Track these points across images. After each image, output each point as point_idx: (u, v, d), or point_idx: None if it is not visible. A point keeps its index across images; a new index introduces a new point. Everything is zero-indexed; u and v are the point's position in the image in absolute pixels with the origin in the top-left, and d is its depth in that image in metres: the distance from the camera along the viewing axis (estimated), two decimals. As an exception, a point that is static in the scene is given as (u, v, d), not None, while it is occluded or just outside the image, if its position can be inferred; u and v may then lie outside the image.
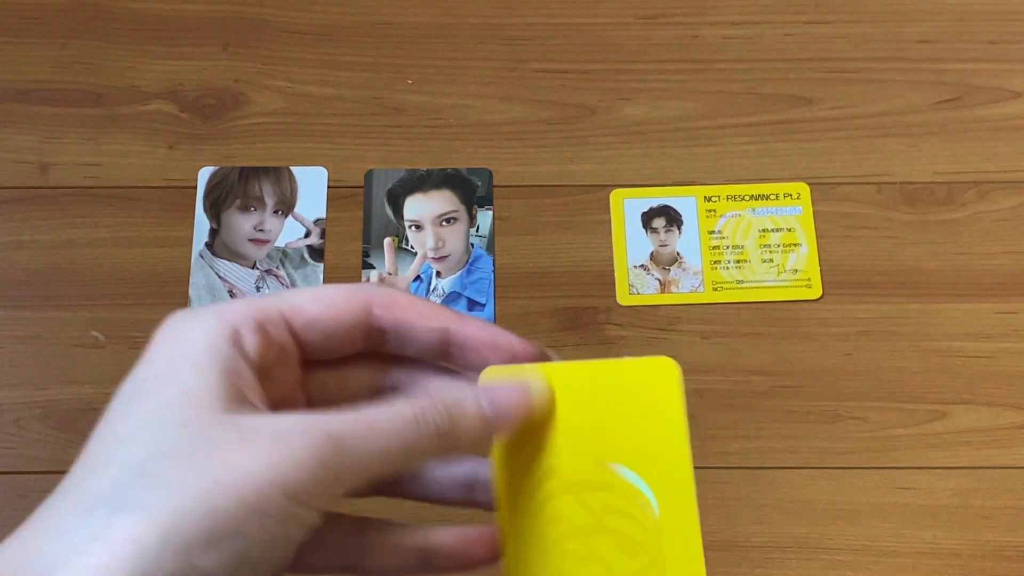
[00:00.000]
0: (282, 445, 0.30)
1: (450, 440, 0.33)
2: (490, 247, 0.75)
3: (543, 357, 0.36)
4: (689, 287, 0.74)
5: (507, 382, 0.35)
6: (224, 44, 0.81)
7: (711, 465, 0.69)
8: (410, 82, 0.80)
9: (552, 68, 0.80)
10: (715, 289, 0.73)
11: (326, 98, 0.79)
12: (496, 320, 0.73)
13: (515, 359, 0.36)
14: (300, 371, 0.35)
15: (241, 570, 0.29)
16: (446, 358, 0.36)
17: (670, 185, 0.77)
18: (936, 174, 0.77)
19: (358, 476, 0.31)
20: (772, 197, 0.76)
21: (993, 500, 0.69)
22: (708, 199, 0.76)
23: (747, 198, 0.76)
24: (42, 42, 0.81)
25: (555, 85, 0.80)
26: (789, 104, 0.79)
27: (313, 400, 0.36)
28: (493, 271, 0.74)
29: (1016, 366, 0.71)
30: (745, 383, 0.72)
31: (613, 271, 0.74)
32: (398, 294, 0.35)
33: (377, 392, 0.37)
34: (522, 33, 0.81)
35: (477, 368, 0.36)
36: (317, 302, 0.34)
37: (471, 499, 0.37)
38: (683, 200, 0.76)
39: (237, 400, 0.31)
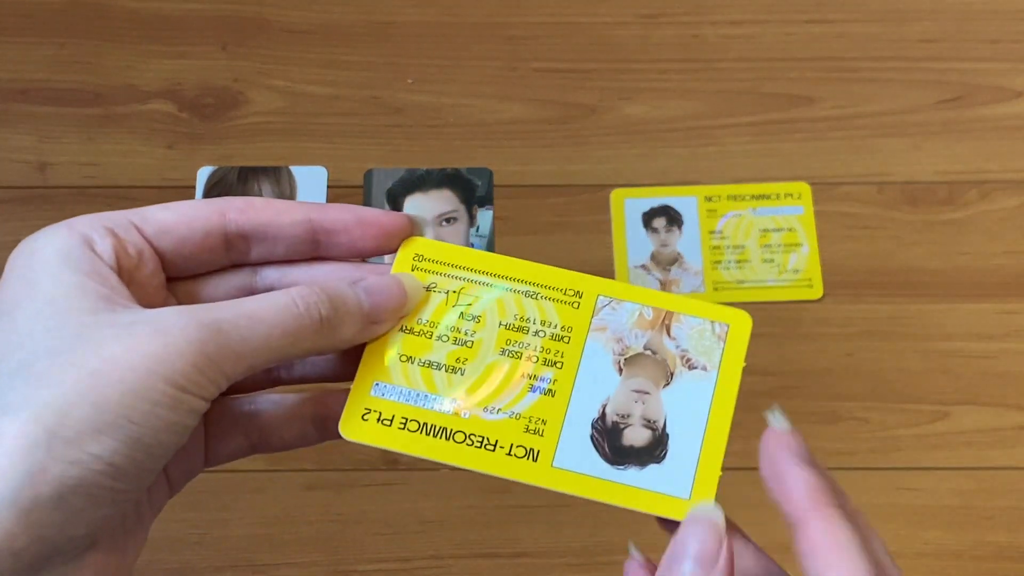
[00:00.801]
0: (161, 335, 0.30)
1: (331, 329, 0.33)
2: (490, 247, 0.75)
3: (410, 227, 0.37)
4: (690, 287, 0.73)
5: (382, 277, 0.35)
6: (223, 43, 0.81)
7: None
8: (410, 82, 0.80)
9: (552, 67, 0.80)
10: (716, 289, 0.73)
11: (326, 98, 0.79)
12: (496, 320, 0.73)
13: (385, 234, 0.36)
14: (164, 277, 0.35)
15: (136, 454, 0.30)
16: (317, 250, 0.36)
17: (671, 185, 0.76)
18: (937, 174, 0.77)
19: (240, 363, 0.31)
20: (773, 197, 0.76)
21: (995, 501, 0.68)
22: (709, 199, 0.76)
23: (748, 198, 0.76)
24: (40, 41, 0.81)
25: (555, 85, 0.80)
26: (790, 104, 0.79)
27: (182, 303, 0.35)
28: (493, 271, 0.74)
29: (1018, 366, 0.71)
30: (745, 383, 0.71)
31: (613, 271, 0.74)
32: (253, 198, 0.35)
33: (246, 277, 0.37)
34: (522, 32, 0.81)
35: (351, 254, 0.36)
36: (167, 210, 0.34)
37: (352, 372, 0.37)
38: (684, 200, 0.76)
39: (105, 299, 0.31)
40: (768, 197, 0.76)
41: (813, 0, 0.81)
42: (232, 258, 0.36)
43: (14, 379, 0.30)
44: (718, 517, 0.34)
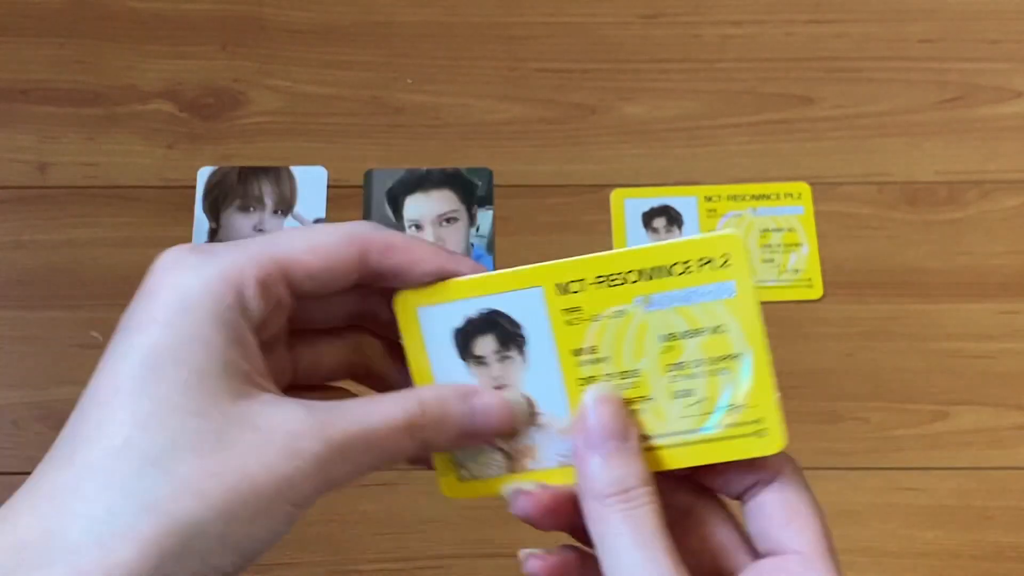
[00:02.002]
0: (294, 455, 0.32)
1: (428, 446, 0.35)
2: (490, 247, 0.75)
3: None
4: (690, 287, 0.73)
5: (494, 396, 0.37)
6: (223, 43, 0.81)
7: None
8: (410, 82, 0.80)
9: (552, 68, 0.80)
10: (716, 289, 0.73)
11: (326, 98, 0.79)
12: (496, 320, 0.73)
13: None
14: (290, 312, 0.36)
15: (243, 562, 0.32)
16: None
17: (671, 185, 0.76)
18: (938, 174, 0.77)
19: (349, 479, 0.33)
20: (773, 197, 0.76)
21: (994, 501, 0.68)
22: (709, 199, 0.76)
23: (748, 198, 0.76)
24: (41, 41, 0.81)
25: (555, 85, 0.80)
26: (790, 104, 0.79)
27: (293, 324, 0.36)
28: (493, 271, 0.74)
29: (1018, 366, 0.71)
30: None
31: (613, 271, 0.74)
32: (394, 237, 0.36)
33: (355, 317, 0.38)
34: (522, 32, 0.81)
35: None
36: (314, 253, 0.34)
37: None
38: (684, 200, 0.76)
39: (245, 379, 0.32)
40: (768, 197, 0.76)
41: (813, 0, 0.81)
42: (362, 284, 0.36)
43: (158, 471, 0.30)
44: (617, 393, 0.36)
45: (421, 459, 0.39)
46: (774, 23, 0.81)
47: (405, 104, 0.79)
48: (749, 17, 0.81)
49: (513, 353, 0.38)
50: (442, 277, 0.36)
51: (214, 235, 0.75)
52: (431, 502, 0.69)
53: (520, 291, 0.39)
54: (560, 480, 0.38)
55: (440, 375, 0.38)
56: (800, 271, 0.74)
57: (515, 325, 0.38)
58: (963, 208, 0.75)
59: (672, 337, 0.37)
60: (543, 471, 0.39)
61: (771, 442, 0.38)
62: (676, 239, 0.37)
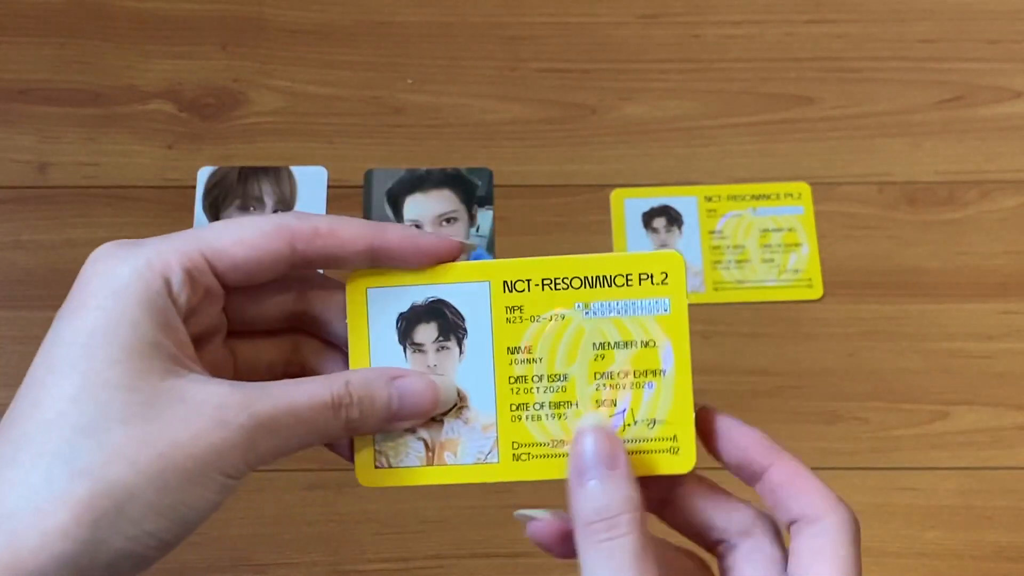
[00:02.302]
0: (221, 425, 0.33)
1: (356, 428, 0.37)
2: (490, 247, 0.75)
3: (460, 251, 0.39)
4: (690, 287, 0.73)
5: (418, 378, 0.38)
6: (223, 43, 0.81)
7: (711, 466, 0.69)
8: (410, 82, 0.80)
9: (552, 68, 0.80)
10: (716, 289, 0.73)
11: (326, 98, 0.79)
12: (496, 320, 0.73)
13: (439, 260, 0.38)
14: (222, 303, 0.37)
15: (182, 531, 0.34)
16: (374, 266, 0.38)
17: (671, 185, 0.76)
18: (937, 174, 0.77)
19: (277, 454, 0.35)
20: (773, 197, 0.76)
21: (995, 501, 0.68)
22: (709, 199, 0.76)
23: (748, 198, 0.76)
24: (41, 41, 0.81)
25: (555, 85, 0.80)
26: (790, 104, 0.79)
27: (232, 314, 0.38)
28: (493, 271, 0.74)
29: (1018, 366, 0.71)
30: (746, 383, 0.71)
31: (613, 271, 0.74)
32: (318, 222, 0.36)
33: (292, 317, 0.39)
34: (522, 32, 0.81)
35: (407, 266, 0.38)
36: (240, 245, 0.36)
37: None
38: (684, 200, 0.76)
39: (174, 360, 0.34)
40: (768, 197, 0.76)
41: (813, 0, 0.81)
42: (289, 272, 0.37)
43: (90, 441, 0.32)
44: (606, 423, 0.38)
45: (343, 447, 0.40)
46: (774, 23, 0.81)
47: (405, 104, 0.79)
48: (749, 17, 0.81)
49: (451, 344, 0.39)
50: (373, 253, 0.37)
51: (214, 235, 0.75)
52: (431, 502, 0.69)
53: (468, 283, 0.39)
54: (475, 477, 0.40)
55: (377, 358, 0.39)
56: (800, 271, 0.74)
57: (459, 316, 0.39)
58: (963, 208, 0.75)
59: (604, 346, 0.39)
60: (462, 467, 0.40)
61: (683, 460, 0.39)
62: (621, 253, 0.38)
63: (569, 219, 0.76)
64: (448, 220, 0.76)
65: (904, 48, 0.80)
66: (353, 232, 0.37)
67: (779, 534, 0.37)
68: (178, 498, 0.33)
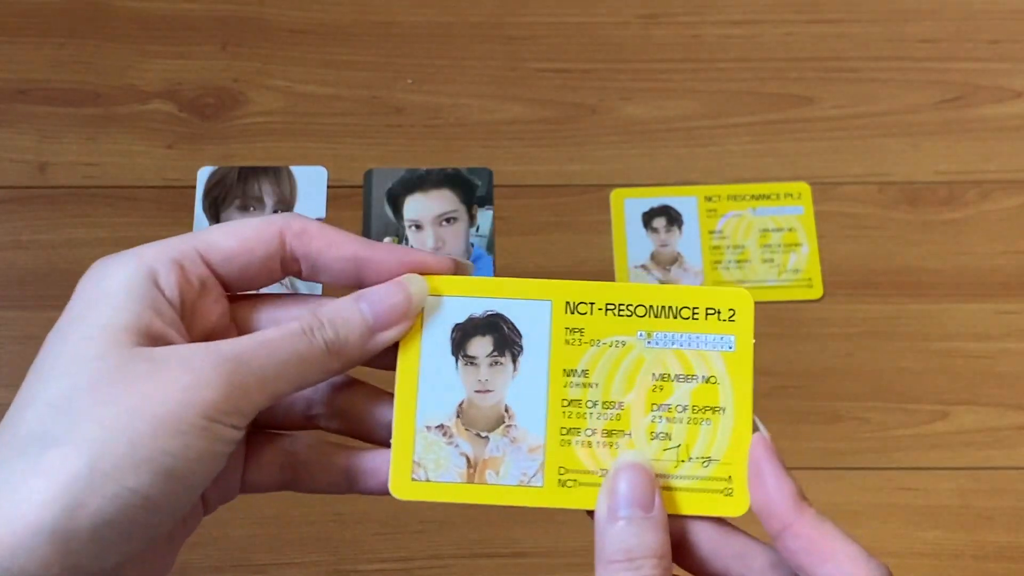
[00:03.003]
0: (189, 370, 0.32)
1: (340, 348, 0.35)
2: (490, 247, 0.75)
3: (454, 269, 0.38)
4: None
5: (384, 285, 0.37)
6: (223, 43, 0.81)
7: (712, 466, 0.69)
8: (410, 82, 0.80)
9: (552, 68, 0.80)
10: (716, 289, 0.73)
11: (326, 98, 0.79)
12: (496, 320, 0.73)
13: (429, 273, 0.38)
14: (227, 303, 0.37)
15: (171, 486, 0.32)
16: (360, 283, 0.37)
17: (670, 185, 0.76)
18: (937, 174, 0.77)
19: (263, 391, 0.34)
20: (773, 197, 0.76)
21: (994, 501, 0.68)
22: (709, 199, 0.76)
23: (748, 198, 0.76)
24: (41, 41, 0.81)
25: (555, 85, 0.80)
26: (790, 103, 0.79)
27: (244, 331, 0.38)
28: (493, 271, 0.74)
29: (1017, 366, 0.71)
30: (746, 383, 0.71)
31: (613, 271, 0.74)
32: (310, 223, 0.37)
33: (304, 312, 0.39)
34: (522, 32, 0.81)
35: None
36: (231, 236, 0.36)
37: (367, 433, 0.40)
38: (684, 200, 0.76)
39: (153, 336, 0.34)
40: (768, 197, 0.76)
41: (813, 0, 0.81)
42: (287, 273, 0.38)
43: (59, 412, 0.32)
44: (647, 462, 0.36)
45: (370, 483, 0.39)
46: (774, 23, 0.81)
47: (405, 104, 0.79)
48: (749, 17, 0.81)
49: (506, 359, 0.38)
50: (358, 263, 0.37)
51: (214, 235, 0.75)
52: (431, 503, 0.69)
53: (530, 301, 0.38)
54: (516, 500, 0.39)
55: (426, 367, 0.38)
56: (800, 271, 0.74)
57: (516, 332, 0.38)
58: (963, 208, 0.76)
59: (664, 378, 0.38)
60: (503, 487, 0.39)
61: (737, 503, 0.37)
62: (691, 284, 0.37)
63: (569, 219, 0.76)
64: (448, 220, 0.76)
65: (904, 48, 0.80)
66: (342, 238, 0.37)
67: None
68: (155, 447, 0.31)
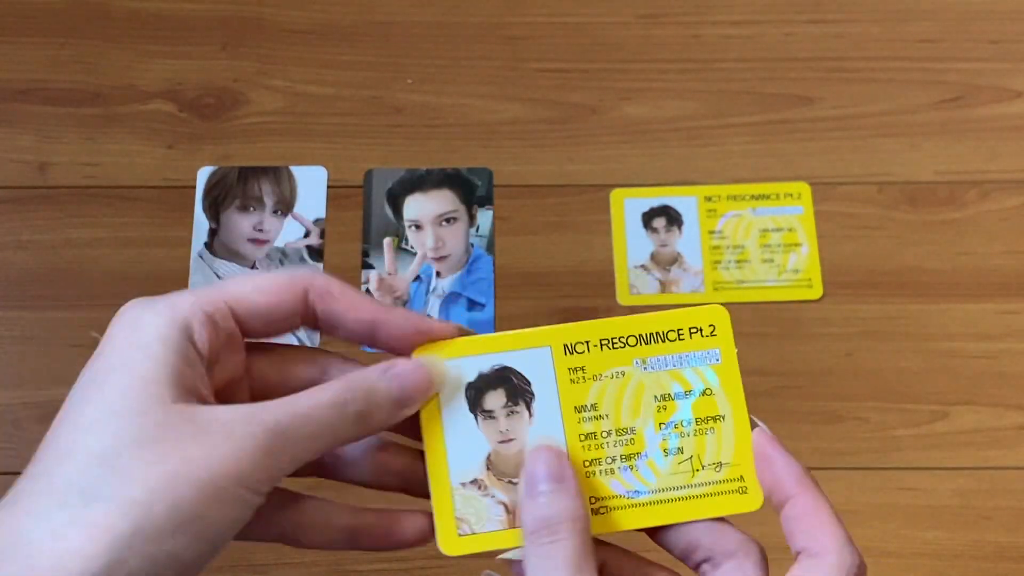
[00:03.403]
0: (232, 439, 0.34)
1: (367, 420, 0.37)
2: (490, 247, 0.75)
3: (460, 333, 0.40)
4: (689, 287, 0.73)
5: (409, 362, 0.39)
6: (223, 43, 0.81)
7: (712, 466, 0.69)
8: (410, 82, 0.80)
9: (552, 68, 0.80)
10: (715, 289, 0.73)
11: (326, 98, 0.79)
12: (496, 320, 0.73)
13: (435, 340, 0.40)
14: (244, 353, 0.39)
15: (201, 546, 0.33)
16: (373, 344, 0.40)
17: (670, 185, 0.76)
18: (937, 174, 0.77)
19: (295, 459, 0.36)
20: (773, 197, 0.76)
21: (994, 501, 0.69)
22: (708, 199, 0.76)
23: (748, 198, 0.76)
24: (41, 41, 0.81)
25: (555, 85, 0.80)
26: (790, 104, 0.79)
27: (255, 379, 0.40)
28: (493, 271, 0.74)
29: (1018, 366, 0.71)
30: (746, 383, 0.71)
31: (613, 271, 0.74)
32: (333, 283, 0.38)
33: (312, 367, 0.41)
34: (522, 32, 0.81)
35: (401, 353, 0.40)
36: (261, 292, 0.38)
37: (405, 487, 0.43)
38: (683, 200, 0.76)
39: (188, 390, 0.35)
40: (768, 197, 0.76)
41: (813, 0, 0.82)
42: (305, 326, 0.40)
43: (102, 467, 0.33)
44: (557, 444, 0.40)
45: (401, 538, 0.43)
46: (774, 23, 0.81)
47: (405, 104, 0.79)
48: (749, 17, 0.81)
49: (520, 408, 0.41)
50: (375, 326, 0.39)
51: (214, 235, 0.75)
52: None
53: (531, 349, 0.41)
54: None
55: (449, 428, 0.41)
56: (800, 271, 0.74)
57: (525, 381, 0.41)
58: (963, 208, 0.76)
59: (666, 398, 0.41)
60: None
61: (752, 499, 0.41)
62: (670, 311, 0.42)
63: (569, 219, 0.76)
64: (448, 220, 0.76)
65: (904, 48, 0.80)
66: (362, 302, 0.39)
67: (764, 560, 0.38)
68: (195, 512, 0.33)
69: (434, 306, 0.73)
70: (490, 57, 0.81)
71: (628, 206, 0.76)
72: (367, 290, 0.74)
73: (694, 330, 0.42)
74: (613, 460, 0.41)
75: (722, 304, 0.42)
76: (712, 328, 0.43)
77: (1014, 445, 0.70)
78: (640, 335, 0.41)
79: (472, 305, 0.73)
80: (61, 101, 0.79)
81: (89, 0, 0.82)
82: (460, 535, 0.42)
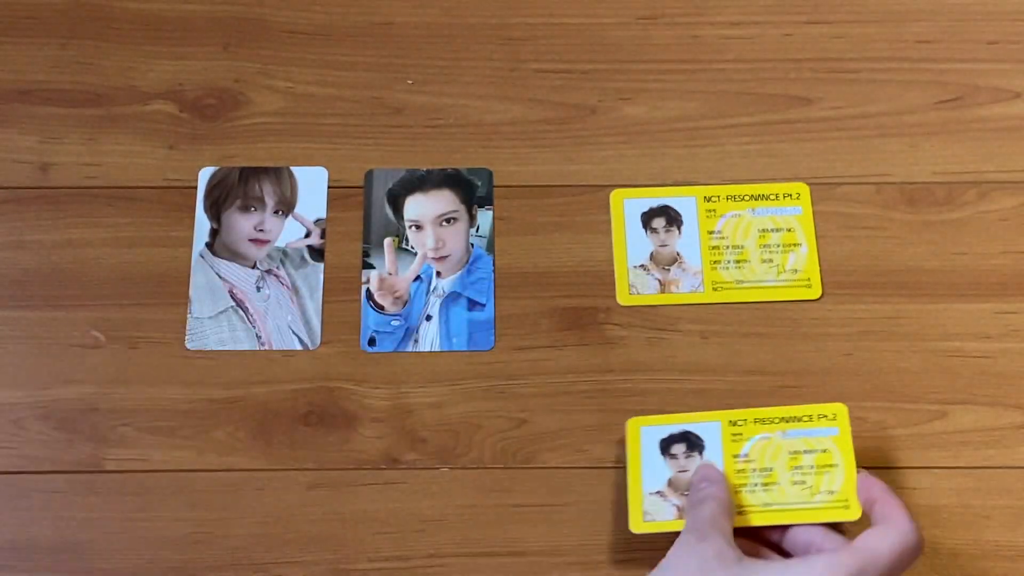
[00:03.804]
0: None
1: None
2: (490, 247, 0.75)
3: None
4: (689, 287, 0.74)
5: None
6: (224, 44, 0.81)
7: (711, 465, 0.69)
8: (410, 82, 0.80)
9: (552, 68, 0.80)
10: (715, 289, 0.73)
11: (326, 98, 0.80)
12: (496, 320, 0.73)
13: None
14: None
15: None
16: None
17: (670, 185, 0.77)
18: (936, 174, 0.77)
19: None
20: (772, 197, 0.76)
21: (993, 500, 0.69)
22: (708, 199, 0.76)
23: (747, 198, 0.76)
24: (42, 42, 0.81)
25: (555, 85, 0.80)
26: (789, 104, 0.79)
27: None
28: (493, 271, 0.74)
29: (1016, 366, 0.72)
30: (745, 383, 0.72)
31: (613, 271, 0.74)
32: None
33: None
34: (522, 33, 0.81)
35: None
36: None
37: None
38: (683, 200, 0.76)
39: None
40: (767, 197, 0.76)
41: (812, 1, 0.82)
42: None
43: None
44: (714, 462, 0.65)
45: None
46: (773, 24, 0.81)
47: (405, 104, 0.79)
48: (748, 18, 0.81)
49: (695, 454, 0.65)
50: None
51: (215, 235, 0.75)
52: (431, 502, 0.69)
53: (707, 423, 0.66)
54: None
55: (647, 465, 0.66)
56: (799, 271, 0.74)
57: (699, 439, 0.66)
58: (961, 208, 0.76)
59: (797, 453, 0.64)
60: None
61: (852, 512, 0.62)
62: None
63: (569, 219, 0.76)
64: (448, 220, 0.76)
65: (902, 49, 0.80)
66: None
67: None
68: None
69: (434, 306, 0.74)
70: (490, 58, 0.81)
71: (627, 206, 0.76)
72: (367, 290, 0.74)
73: (821, 416, 0.65)
74: (756, 484, 0.64)
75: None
76: (834, 415, 0.65)
77: (1012, 444, 0.70)
78: (782, 418, 0.65)
79: (472, 305, 0.74)
80: (62, 102, 0.79)
81: (90, 1, 0.82)
82: (644, 521, 0.64)
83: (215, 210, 0.76)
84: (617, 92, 0.79)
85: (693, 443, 0.65)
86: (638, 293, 0.74)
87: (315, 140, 0.78)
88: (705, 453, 0.65)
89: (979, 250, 0.74)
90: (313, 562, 0.68)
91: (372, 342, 0.73)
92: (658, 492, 0.65)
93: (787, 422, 0.64)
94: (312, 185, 0.77)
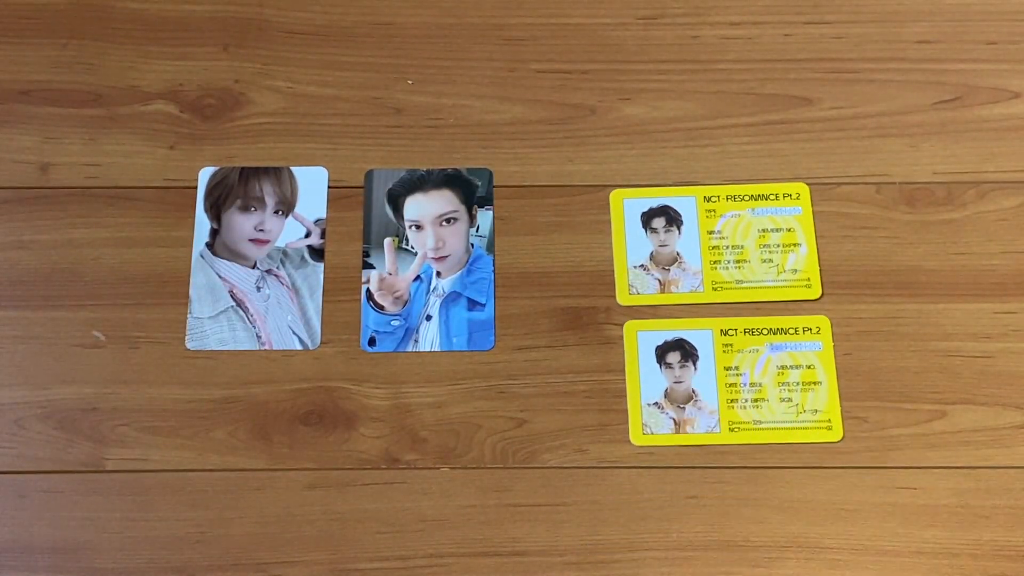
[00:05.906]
0: None
1: None
2: (490, 247, 0.75)
3: None
4: (689, 287, 0.74)
5: None
6: (224, 44, 0.81)
7: (710, 465, 0.69)
8: (410, 82, 0.80)
9: (552, 68, 0.80)
10: (715, 289, 0.74)
11: (326, 98, 0.80)
12: (496, 320, 0.73)
13: None
14: None
15: None
16: None
17: (670, 185, 0.77)
18: (935, 174, 0.77)
19: None
20: (772, 197, 0.76)
21: (992, 500, 0.69)
22: (708, 199, 0.76)
23: (747, 198, 0.76)
24: (42, 42, 0.81)
25: (555, 85, 0.80)
26: (788, 104, 0.79)
27: None
28: (493, 271, 0.74)
29: (1015, 366, 0.72)
30: (745, 383, 0.72)
31: (613, 271, 0.74)
32: None
33: None
34: (522, 33, 0.81)
35: None
36: None
37: None
38: (683, 200, 0.76)
39: None
40: (767, 197, 0.76)
41: (811, 1, 0.82)
42: None
43: None
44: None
45: None
46: (772, 24, 0.81)
47: (405, 104, 0.79)
48: (748, 18, 0.81)
49: (689, 364, 0.70)
50: None
51: (215, 235, 0.75)
52: (431, 502, 0.69)
53: (699, 330, 0.70)
54: (705, 441, 0.68)
55: (644, 369, 0.69)
56: (798, 271, 0.74)
57: (694, 348, 0.70)
58: (961, 208, 0.76)
59: (785, 368, 0.69)
60: (697, 434, 0.69)
61: (834, 433, 0.68)
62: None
63: (569, 219, 0.76)
64: (448, 220, 0.76)
65: (902, 49, 0.80)
66: None
67: None
68: None
69: (434, 306, 0.74)
70: (490, 58, 0.81)
71: (627, 206, 0.76)
72: (367, 290, 0.74)
73: (806, 329, 0.70)
74: (746, 401, 0.68)
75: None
76: (819, 329, 0.70)
77: (1012, 444, 0.70)
78: (771, 329, 0.70)
79: (472, 305, 0.74)
80: (63, 102, 0.79)
81: (91, 1, 0.82)
82: (644, 434, 0.67)
83: (215, 210, 0.76)
84: (617, 92, 0.80)
85: (687, 352, 0.69)
86: (638, 293, 0.74)
87: (315, 140, 0.78)
88: (699, 363, 0.69)
89: (978, 250, 0.75)
90: (313, 562, 0.68)
91: (372, 342, 0.73)
92: (655, 403, 0.69)
93: (774, 333, 0.70)
94: (312, 185, 0.77)
